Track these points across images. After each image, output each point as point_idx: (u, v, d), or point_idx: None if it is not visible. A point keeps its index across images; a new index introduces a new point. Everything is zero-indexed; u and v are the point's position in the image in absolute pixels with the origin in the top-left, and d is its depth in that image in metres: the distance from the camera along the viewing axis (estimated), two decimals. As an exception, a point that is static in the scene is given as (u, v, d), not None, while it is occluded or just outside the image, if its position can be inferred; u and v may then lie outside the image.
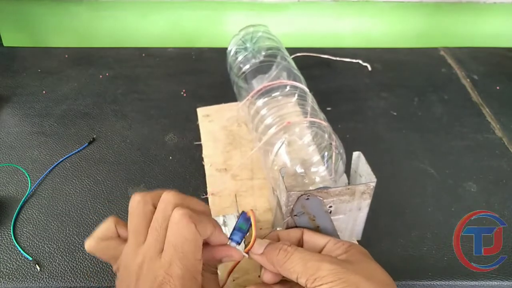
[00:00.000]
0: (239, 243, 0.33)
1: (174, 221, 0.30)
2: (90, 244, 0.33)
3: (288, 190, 0.36)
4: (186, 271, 0.29)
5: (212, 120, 0.57)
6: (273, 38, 0.58)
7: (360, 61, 0.71)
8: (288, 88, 0.49)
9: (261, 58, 0.53)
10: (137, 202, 0.32)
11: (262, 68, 0.52)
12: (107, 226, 0.33)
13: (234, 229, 0.34)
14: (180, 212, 0.30)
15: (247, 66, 0.53)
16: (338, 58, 0.71)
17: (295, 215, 0.37)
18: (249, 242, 0.34)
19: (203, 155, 0.52)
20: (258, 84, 0.50)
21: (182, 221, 0.30)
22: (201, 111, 0.59)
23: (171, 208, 0.31)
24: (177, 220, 0.30)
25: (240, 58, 0.55)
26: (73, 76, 0.67)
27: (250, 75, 0.52)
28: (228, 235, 0.34)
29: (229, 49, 0.59)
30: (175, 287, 0.29)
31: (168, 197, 0.32)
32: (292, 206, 0.37)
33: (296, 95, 0.48)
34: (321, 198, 0.37)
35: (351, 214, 0.39)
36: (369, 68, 0.69)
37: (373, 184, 0.37)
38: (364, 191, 0.38)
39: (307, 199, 0.36)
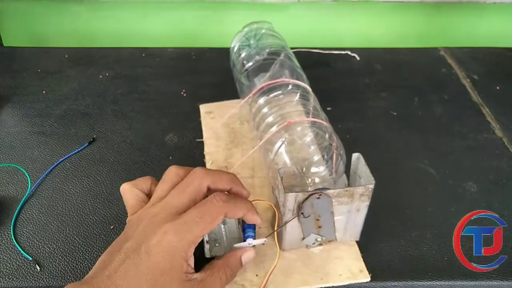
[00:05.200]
0: (254, 237, 0.38)
1: (213, 201, 0.34)
2: (125, 186, 0.38)
3: (286, 191, 0.36)
4: (190, 235, 0.33)
5: (214, 117, 0.57)
6: (277, 35, 0.58)
7: (349, 52, 0.71)
8: (290, 86, 0.49)
9: (265, 56, 0.53)
10: (172, 173, 0.37)
11: (265, 66, 0.52)
12: (145, 179, 0.39)
13: (244, 228, 0.38)
14: (221, 197, 0.35)
15: (250, 63, 0.53)
16: (327, 52, 0.72)
17: (301, 213, 0.37)
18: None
19: (204, 153, 0.52)
20: (261, 82, 0.50)
21: (218, 203, 0.34)
22: (203, 108, 0.59)
23: (205, 182, 0.36)
24: (214, 201, 0.34)
25: (243, 55, 0.55)
26: (73, 76, 0.67)
27: (253, 73, 0.52)
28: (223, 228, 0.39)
29: (232, 45, 0.58)
30: (172, 240, 0.32)
31: (201, 171, 0.36)
32: (290, 205, 0.37)
33: (298, 94, 0.48)
34: (331, 198, 0.37)
35: (350, 216, 0.39)
36: (357, 58, 0.70)
37: (371, 186, 0.37)
38: (362, 193, 0.37)
39: (318, 197, 0.37)
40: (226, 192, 0.38)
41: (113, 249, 0.33)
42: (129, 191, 0.38)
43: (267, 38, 0.57)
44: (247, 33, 0.58)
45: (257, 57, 0.53)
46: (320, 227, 0.40)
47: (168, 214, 0.34)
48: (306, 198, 0.36)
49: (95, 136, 0.55)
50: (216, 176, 0.37)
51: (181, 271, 0.32)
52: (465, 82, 0.66)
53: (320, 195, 0.36)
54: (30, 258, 0.41)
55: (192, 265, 0.34)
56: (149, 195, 0.38)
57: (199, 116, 0.58)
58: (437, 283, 0.40)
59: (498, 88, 0.65)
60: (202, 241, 0.38)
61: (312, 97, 0.49)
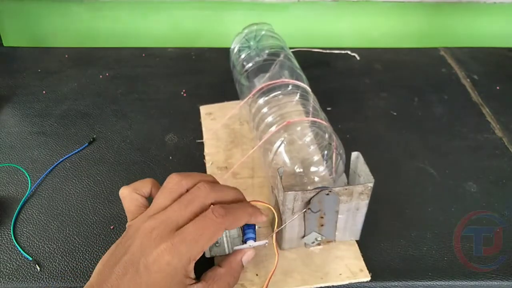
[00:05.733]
0: (254, 239, 0.37)
1: (210, 215, 0.33)
2: (124, 191, 0.37)
3: (285, 189, 0.36)
4: (189, 254, 0.32)
5: (215, 119, 0.57)
6: (277, 36, 0.59)
7: (349, 52, 0.72)
8: (290, 87, 0.49)
9: (265, 57, 0.53)
10: (174, 181, 0.36)
11: (265, 67, 0.52)
12: (144, 183, 0.38)
13: (244, 229, 0.38)
14: (219, 212, 0.34)
15: (250, 64, 0.53)
16: (327, 51, 0.72)
17: (309, 208, 0.37)
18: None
19: (204, 153, 0.52)
20: (260, 82, 0.50)
21: (217, 220, 0.33)
22: (203, 109, 0.59)
23: (209, 200, 0.35)
24: (213, 217, 0.33)
25: (243, 56, 0.55)
26: (73, 76, 0.67)
27: (253, 74, 0.52)
28: (227, 236, 0.37)
29: (232, 47, 0.59)
30: (171, 261, 0.31)
31: (206, 188, 0.35)
32: (290, 204, 0.37)
33: (298, 94, 0.48)
34: (338, 197, 0.37)
35: (349, 214, 0.39)
36: (357, 58, 0.71)
37: (370, 185, 0.37)
38: (362, 191, 0.38)
39: (327, 194, 0.37)
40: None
41: (112, 260, 0.33)
42: (129, 196, 0.37)
43: (267, 39, 0.57)
44: (247, 34, 0.58)
45: (257, 58, 0.53)
46: (322, 225, 0.40)
47: (165, 229, 0.32)
48: (316, 195, 0.36)
49: (95, 136, 0.55)
50: (220, 193, 0.36)
51: (182, 287, 0.32)
52: (465, 82, 0.66)
53: (330, 192, 0.37)
54: (30, 258, 0.41)
55: (193, 275, 0.33)
56: (149, 198, 0.38)
57: (199, 116, 0.58)
58: (437, 283, 0.40)
59: (498, 88, 0.65)
60: None
61: (312, 97, 0.49)
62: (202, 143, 0.54)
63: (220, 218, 0.33)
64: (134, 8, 0.79)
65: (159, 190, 0.37)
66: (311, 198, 0.37)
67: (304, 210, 0.38)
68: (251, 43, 0.56)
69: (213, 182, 0.38)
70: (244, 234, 0.38)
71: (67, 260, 0.41)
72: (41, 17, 0.79)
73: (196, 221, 0.33)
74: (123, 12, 0.79)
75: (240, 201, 0.37)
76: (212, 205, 0.34)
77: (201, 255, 0.33)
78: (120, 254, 0.33)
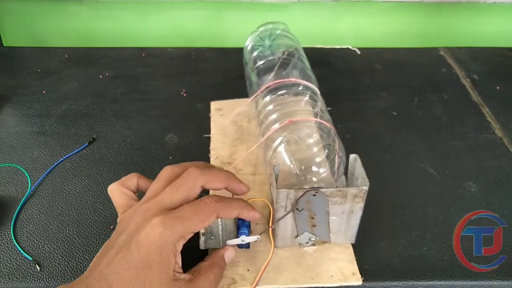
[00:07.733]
0: (248, 234, 0.38)
1: (206, 201, 0.35)
2: (112, 187, 0.38)
3: (278, 187, 0.36)
4: (181, 231, 0.33)
5: (224, 114, 0.58)
6: (291, 36, 0.59)
7: (350, 47, 0.72)
8: (301, 87, 0.49)
9: (278, 56, 0.53)
10: (167, 171, 0.37)
11: (276, 66, 0.52)
12: (130, 176, 0.39)
13: (238, 225, 0.38)
14: (214, 199, 0.35)
15: (261, 62, 0.53)
16: (328, 46, 0.73)
17: (296, 208, 0.37)
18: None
19: (210, 148, 0.53)
20: (268, 80, 0.50)
21: (211, 204, 0.35)
22: (214, 105, 0.59)
23: (200, 182, 0.36)
24: (208, 201, 0.35)
25: (255, 53, 0.55)
26: (73, 76, 0.67)
27: (263, 71, 0.52)
28: (222, 227, 0.39)
29: (246, 44, 0.59)
30: (163, 233, 0.32)
31: (196, 171, 0.36)
32: (283, 202, 0.37)
33: (308, 95, 0.48)
34: (327, 197, 0.37)
35: (344, 217, 0.39)
36: (358, 52, 0.71)
37: (365, 188, 0.37)
38: (356, 194, 0.37)
39: (314, 195, 0.37)
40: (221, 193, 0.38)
41: (106, 246, 0.34)
42: (117, 191, 0.38)
43: (281, 38, 0.57)
44: (262, 32, 0.58)
45: (270, 57, 0.53)
46: (314, 226, 0.39)
47: (159, 209, 0.34)
48: (302, 195, 0.36)
49: (95, 136, 0.55)
50: (210, 176, 0.37)
51: (170, 268, 0.32)
52: (465, 82, 0.66)
53: (317, 192, 0.36)
54: (30, 258, 0.41)
55: (180, 264, 0.34)
56: (136, 192, 0.39)
57: (199, 116, 0.58)
58: (437, 283, 0.40)
59: (498, 88, 0.65)
60: (198, 233, 0.39)
61: (320, 99, 0.49)
62: (204, 141, 0.54)
63: (214, 203, 0.35)
64: (134, 8, 0.79)
65: (145, 181, 0.39)
66: (298, 198, 0.37)
67: (291, 210, 0.38)
68: (266, 41, 0.56)
69: (205, 166, 0.39)
70: (238, 229, 0.39)
71: (67, 260, 0.41)
72: (41, 17, 0.79)
73: (191, 204, 0.35)
74: (123, 12, 0.79)
75: (230, 181, 0.38)
76: (207, 195, 0.36)
77: (191, 235, 0.34)
78: (114, 239, 0.34)
